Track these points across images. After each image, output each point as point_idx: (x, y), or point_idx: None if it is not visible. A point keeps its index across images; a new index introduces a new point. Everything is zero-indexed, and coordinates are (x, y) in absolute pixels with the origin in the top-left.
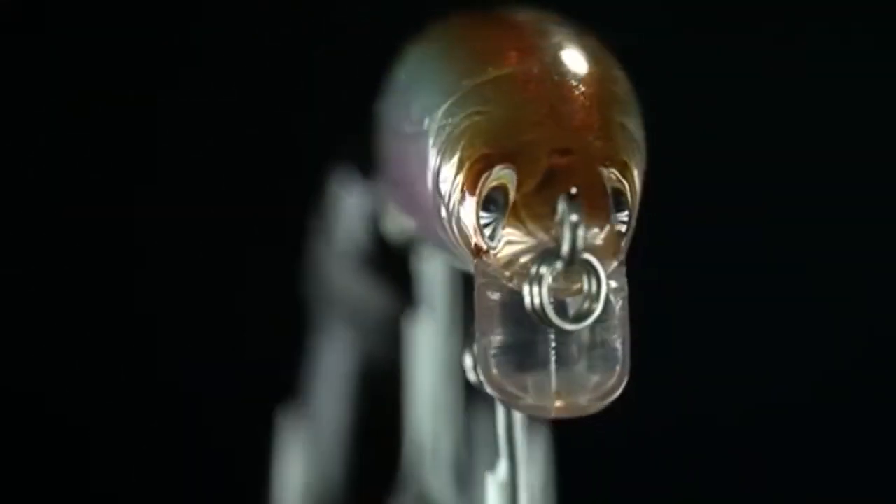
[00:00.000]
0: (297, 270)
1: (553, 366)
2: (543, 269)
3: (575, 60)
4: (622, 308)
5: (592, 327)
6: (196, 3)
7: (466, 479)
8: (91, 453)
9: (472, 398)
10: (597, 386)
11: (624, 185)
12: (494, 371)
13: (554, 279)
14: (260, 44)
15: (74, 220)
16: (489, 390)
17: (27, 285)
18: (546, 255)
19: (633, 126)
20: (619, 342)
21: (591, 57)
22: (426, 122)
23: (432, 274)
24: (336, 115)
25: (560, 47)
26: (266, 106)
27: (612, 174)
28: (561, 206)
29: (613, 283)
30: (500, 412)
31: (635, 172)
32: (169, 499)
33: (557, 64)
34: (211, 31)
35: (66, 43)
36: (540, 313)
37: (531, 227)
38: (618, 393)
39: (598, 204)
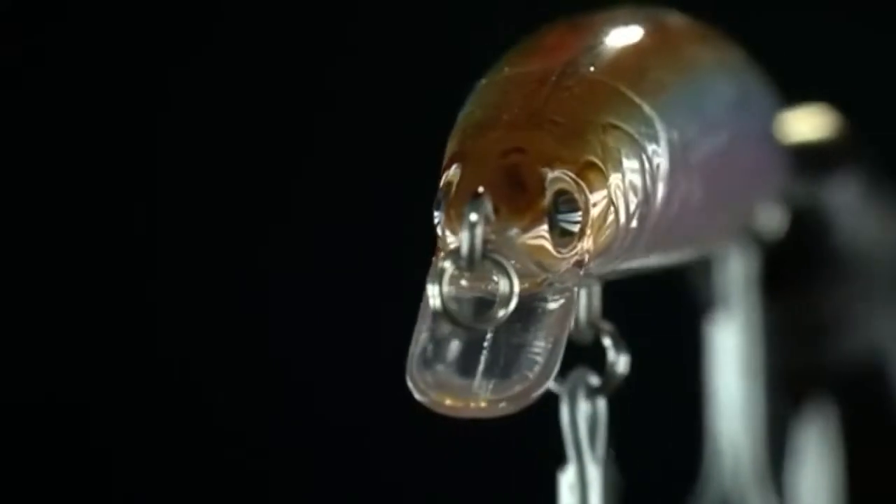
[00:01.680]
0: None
1: (460, 366)
2: (446, 268)
3: (598, 61)
4: (562, 309)
5: (510, 328)
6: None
7: (768, 484)
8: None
9: (773, 402)
10: (503, 389)
11: (576, 186)
12: (412, 367)
13: (457, 278)
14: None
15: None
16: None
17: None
18: (451, 254)
19: (637, 130)
20: (542, 344)
21: (623, 58)
22: None
23: (730, 277)
24: None
25: (594, 48)
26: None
27: (563, 175)
28: (465, 206)
29: (557, 284)
30: (565, 414)
31: (611, 174)
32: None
33: (572, 65)
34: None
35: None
36: (439, 312)
37: (454, 226)
38: (533, 396)
39: (523, 204)
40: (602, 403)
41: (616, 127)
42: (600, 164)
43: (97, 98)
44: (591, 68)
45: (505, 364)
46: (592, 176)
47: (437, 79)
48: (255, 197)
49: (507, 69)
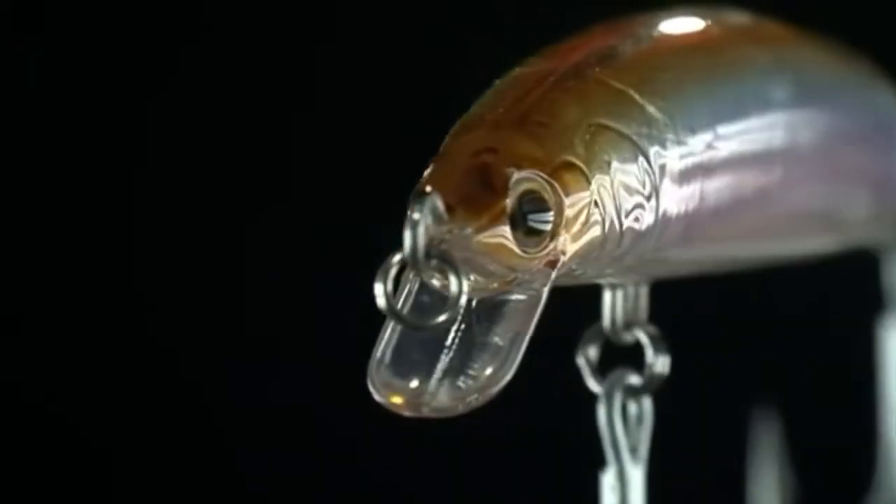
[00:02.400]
0: None
1: (419, 365)
2: (392, 267)
3: (609, 62)
4: (528, 308)
5: (476, 327)
6: None
7: None
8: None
9: None
10: (458, 388)
11: (548, 186)
12: (371, 367)
13: (404, 276)
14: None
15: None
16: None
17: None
18: (400, 252)
19: (636, 131)
20: (504, 344)
21: (638, 59)
22: None
23: None
24: None
25: (613, 49)
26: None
27: (533, 175)
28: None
29: (528, 284)
30: (602, 414)
31: (595, 175)
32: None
33: (581, 65)
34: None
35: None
36: (385, 310)
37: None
38: (489, 395)
39: (480, 204)
40: (648, 403)
41: (607, 127)
42: (581, 164)
43: (85, 93)
44: (599, 69)
45: (465, 363)
46: (569, 176)
47: (435, 78)
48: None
49: (519, 68)
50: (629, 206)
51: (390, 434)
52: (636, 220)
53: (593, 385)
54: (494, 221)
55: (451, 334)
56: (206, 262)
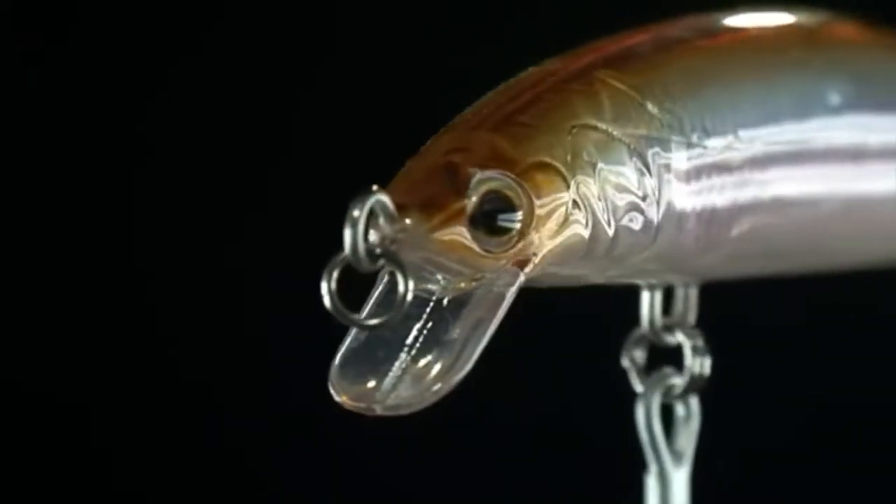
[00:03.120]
0: None
1: (375, 365)
2: (335, 265)
3: (619, 63)
4: (490, 308)
5: (438, 326)
6: None
7: None
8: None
9: None
10: (407, 389)
11: (516, 186)
12: (332, 367)
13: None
14: None
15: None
16: None
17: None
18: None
19: (630, 132)
20: (460, 343)
21: (652, 61)
22: None
23: None
24: None
25: (629, 50)
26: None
27: (499, 175)
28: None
29: (494, 283)
30: (641, 416)
31: (578, 174)
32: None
33: (590, 66)
34: None
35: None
36: (330, 310)
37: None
38: (438, 395)
39: (434, 202)
40: (694, 405)
41: (595, 129)
42: (558, 165)
43: (85, 93)
44: (605, 70)
45: (424, 361)
46: (541, 177)
47: (438, 80)
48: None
49: (533, 67)
50: (621, 207)
51: (430, 436)
52: (631, 220)
53: (638, 387)
54: (451, 220)
55: (414, 332)
56: (207, 262)
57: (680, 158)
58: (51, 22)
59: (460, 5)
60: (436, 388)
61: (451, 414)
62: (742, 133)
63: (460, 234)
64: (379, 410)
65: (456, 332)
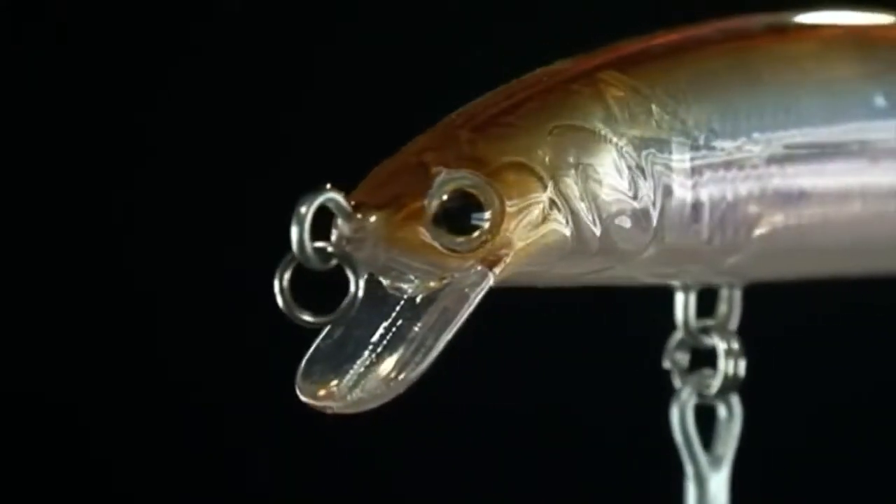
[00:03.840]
0: None
1: (336, 363)
2: (287, 263)
3: (627, 65)
4: (453, 307)
5: (403, 325)
6: None
7: None
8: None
9: None
10: (361, 387)
11: (484, 186)
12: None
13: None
14: None
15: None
16: None
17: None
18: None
19: (616, 129)
20: (420, 342)
21: (665, 62)
22: None
23: None
24: None
25: (644, 52)
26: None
27: (467, 175)
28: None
29: (461, 283)
30: (675, 417)
31: (558, 175)
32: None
33: (599, 67)
34: None
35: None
36: (282, 308)
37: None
38: (396, 390)
39: (393, 201)
40: (736, 407)
41: (581, 129)
42: (534, 165)
43: (84, 92)
44: (611, 71)
45: (383, 360)
46: (514, 176)
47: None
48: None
49: (543, 67)
50: (609, 206)
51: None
52: (622, 219)
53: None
54: (410, 219)
55: (381, 331)
56: (207, 263)
57: (682, 159)
58: (50, 19)
59: (464, 5)
60: (390, 385)
61: (482, 414)
62: (758, 135)
63: (421, 233)
64: (335, 408)
65: (418, 333)
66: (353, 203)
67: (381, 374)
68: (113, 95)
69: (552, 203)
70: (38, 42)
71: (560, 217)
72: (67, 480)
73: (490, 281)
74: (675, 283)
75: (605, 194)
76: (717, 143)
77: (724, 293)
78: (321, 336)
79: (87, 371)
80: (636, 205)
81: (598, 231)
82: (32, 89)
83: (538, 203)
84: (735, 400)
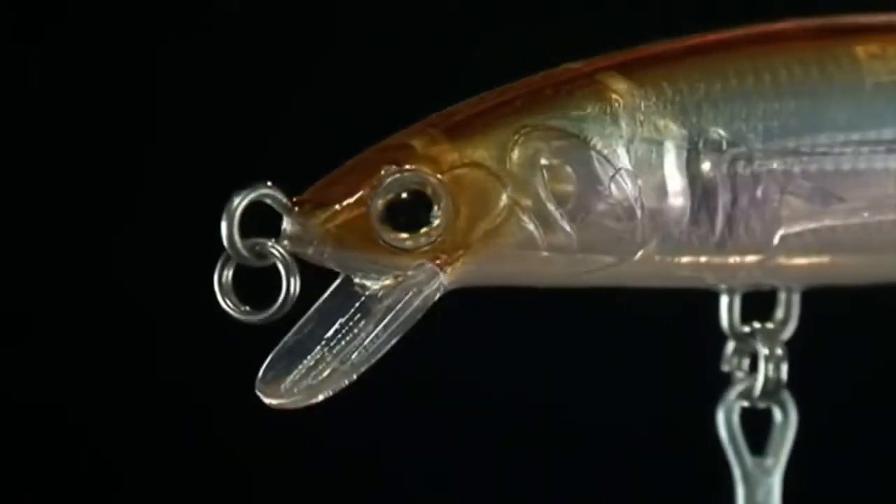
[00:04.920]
0: None
1: (291, 360)
2: (225, 260)
3: (627, 68)
4: (400, 306)
5: (353, 323)
6: None
7: None
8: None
9: None
10: (298, 384)
11: (436, 185)
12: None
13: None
14: None
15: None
16: None
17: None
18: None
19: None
20: (370, 338)
21: (667, 66)
22: None
23: None
24: None
25: (648, 56)
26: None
27: (417, 173)
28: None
29: (412, 282)
30: (721, 421)
31: (507, 175)
32: None
33: (598, 70)
34: None
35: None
36: (222, 304)
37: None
38: (336, 386)
39: (335, 199)
40: (792, 411)
41: (552, 129)
42: (492, 164)
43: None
44: (612, 72)
45: (330, 357)
46: (471, 176)
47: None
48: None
49: (549, 69)
50: (585, 206)
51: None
52: (600, 219)
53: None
54: (350, 217)
55: (336, 327)
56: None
57: (676, 162)
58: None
59: (464, 5)
60: (328, 382)
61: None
62: (761, 137)
63: (365, 231)
64: (277, 404)
65: (365, 329)
66: (294, 200)
67: (322, 370)
68: (112, 96)
69: (515, 203)
70: (33, 40)
71: (525, 217)
72: (64, 482)
73: (441, 279)
74: (721, 286)
75: (579, 195)
76: (718, 147)
77: (781, 297)
78: (291, 332)
79: (84, 372)
80: (618, 205)
81: (571, 231)
82: (31, 88)
83: (497, 203)
84: (789, 403)
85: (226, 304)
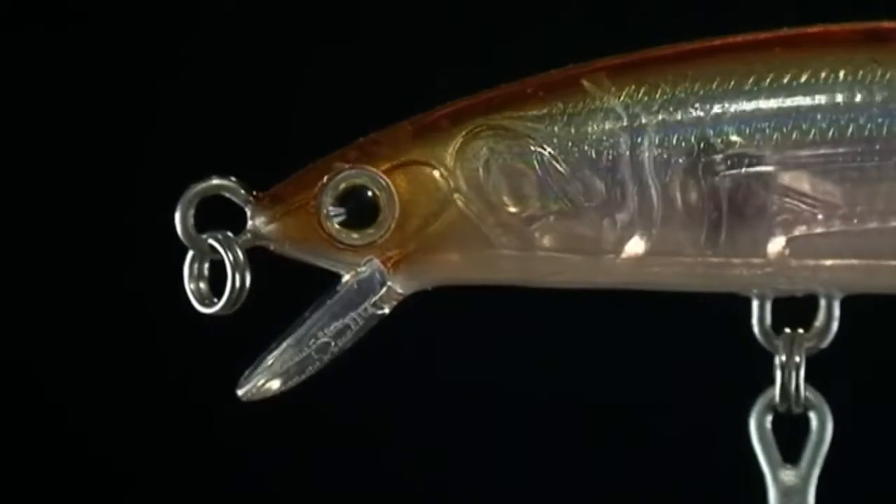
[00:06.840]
0: None
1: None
2: (194, 256)
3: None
4: (348, 301)
5: (321, 320)
6: None
7: None
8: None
9: None
10: (257, 379)
11: (380, 184)
12: None
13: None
14: None
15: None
16: None
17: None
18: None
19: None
20: (327, 340)
21: (656, 66)
22: None
23: None
24: None
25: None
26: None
27: (363, 172)
28: None
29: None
30: (753, 430)
31: (450, 174)
32: None
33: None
34: None
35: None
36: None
37: None
38: (286, 384)
39: (285, 195)
40: (828, 421)
41: (506, 129)
42: (436, 161)
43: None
44: (597, 74)
45: (272, 351)
46: (413, 174)
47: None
48: None
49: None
50: (545, 205)
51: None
52: (561, 219)
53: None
54: (296, 213)
55: (299, 321)
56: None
57: (656, 165)
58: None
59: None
60: (270, 374)
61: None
62: (745, 137)
63: (310, 226)
64: (239, 396)
65: (305, 323)
66: (254, 195)
67: (268, 363)
68: (112, 96)
69: (462, 201)
70: (33, 36)
71: (472, 214)
72: (62, 480)
73: (380, 273)
74: (752, 291)
75: (529, 195)
76: (716, 148)
77: (822, 303)
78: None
79: (83, 369)
80: (580, 205)
81: (524, 230)
82: (31, 88)
83: (443, 200)
84: (825, 411)
85: (194, 298)
